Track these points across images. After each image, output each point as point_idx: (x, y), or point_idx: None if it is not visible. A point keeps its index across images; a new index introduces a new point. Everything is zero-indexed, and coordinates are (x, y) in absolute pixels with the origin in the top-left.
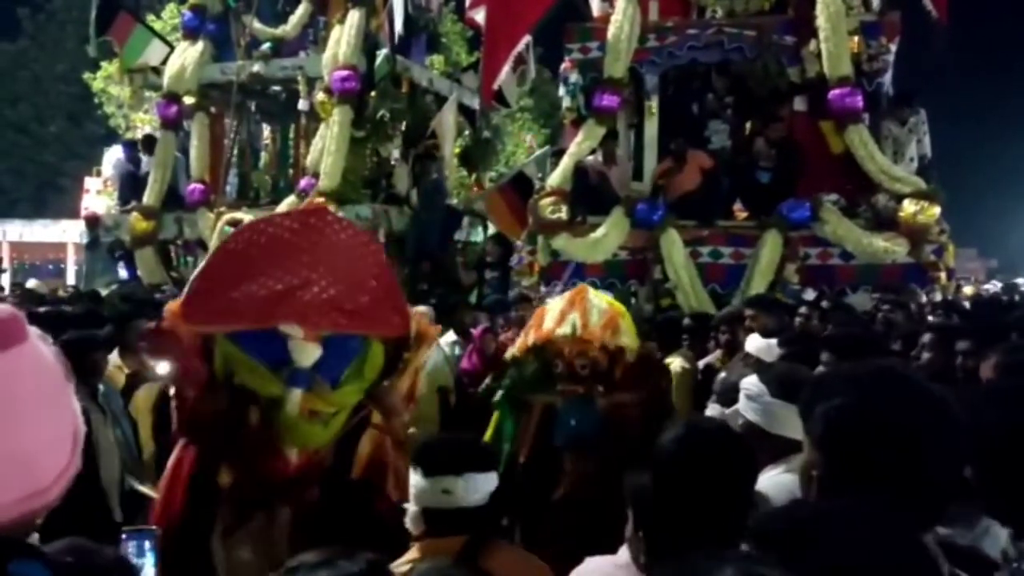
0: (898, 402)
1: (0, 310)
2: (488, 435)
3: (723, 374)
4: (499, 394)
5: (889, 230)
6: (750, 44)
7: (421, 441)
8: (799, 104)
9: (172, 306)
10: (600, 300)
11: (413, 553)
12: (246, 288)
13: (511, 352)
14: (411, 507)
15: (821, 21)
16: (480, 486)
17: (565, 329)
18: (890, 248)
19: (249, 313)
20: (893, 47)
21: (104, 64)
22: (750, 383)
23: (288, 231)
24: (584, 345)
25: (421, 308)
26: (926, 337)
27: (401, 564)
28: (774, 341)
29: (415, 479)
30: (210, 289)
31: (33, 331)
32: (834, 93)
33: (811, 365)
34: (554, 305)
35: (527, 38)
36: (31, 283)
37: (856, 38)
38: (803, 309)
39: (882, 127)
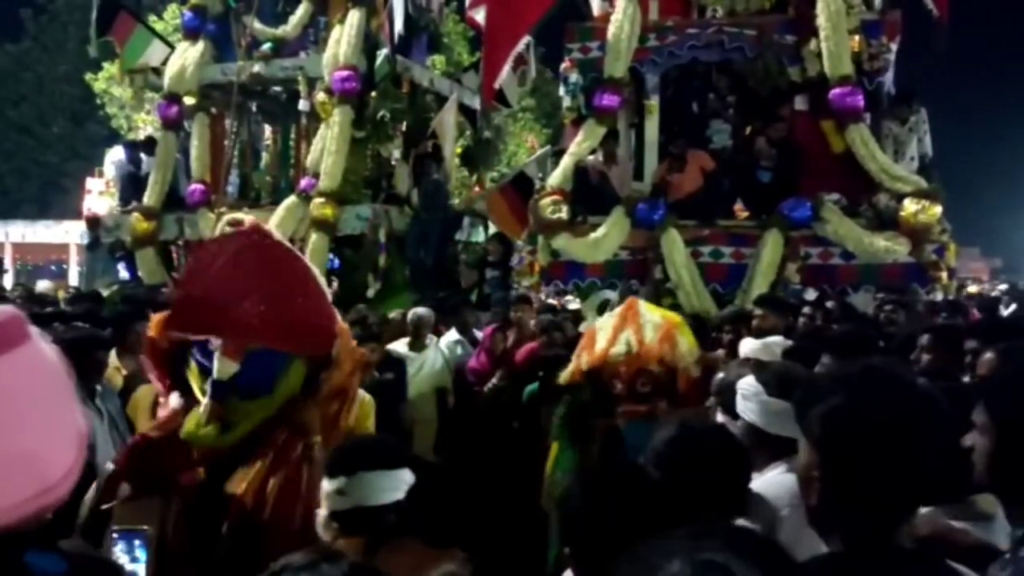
0: (891, 400)
1: (1, 311)
2: (548, 468)
3: (720, 374)
4: (556, 424)
5: (890, 230)
6: (751, 43)
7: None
8: (800, 103)
9: (156, 317)
10: (653, 314)
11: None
12: (199, 301)
13: (564, 377)
14: (320, 513)
15: (822, 20)
16: (377, 485)
17: (620, 348)
18: (891, 248)
19: (194, 326)
20: (894, 46)
21: (106, 65)
22: (746, 383)
23: (230, 250)
24: (641, 362)
25: (421, 310)
26: (924, 338)
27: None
28: (771, 340)
29: (323, 484)
30: (182, 299)
31: (35, 331)
32: (835, 92)
33: (813, 364)
34: (604, 324)
35: (527, 38)
36: (42, 285)
37: (857, 37)
38: (807, 309)
39: (883, 126)
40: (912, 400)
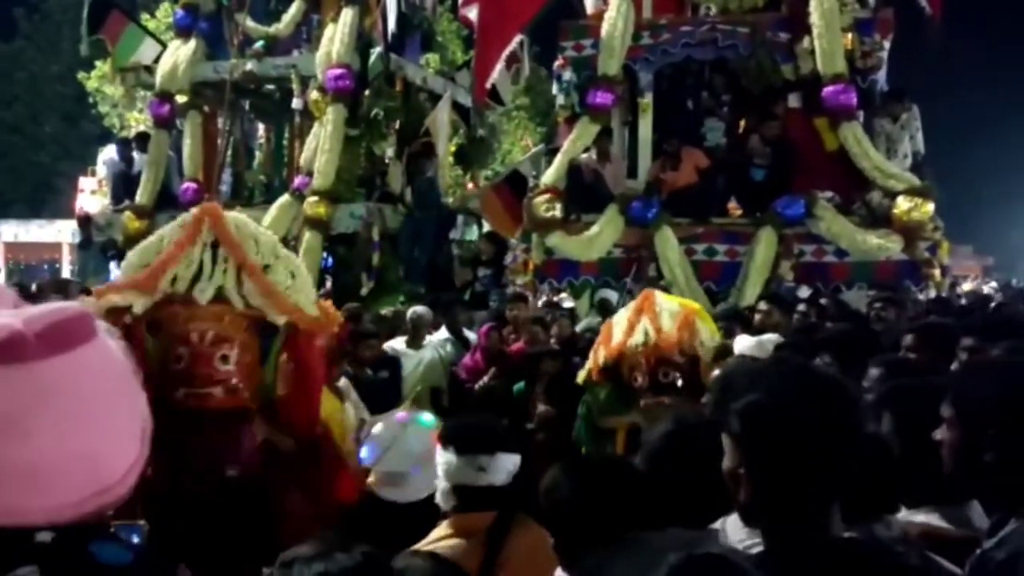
0: (804, 391)
1: (68, 308)
2: None
3: (716, 372)
4: (577, 426)
5: (883, 227)
6: (744, 41)
7: (451, 421)
8: (793, 101)
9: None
10: (670, 302)
11: (444, 529)
12: None
13: (581, 376)
14: (442, 483)
15: (815, 18)
16: (508, 465)
17: (637, 338)
18: (884, 245)
19: None
20: (887, 44)
21: (98, 64)
22: None
23: None
24: (661, 352)
25: (420, 308)
26: (907, 339)
27: (432, 540)
28: (765, 337)
29: (447, 457)
30: None
31: (102, 326)
32: (828, 90)
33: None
34: (620, 317)
35: (520, 36)
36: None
37: (850, 35)
38: (802, 307)
39: (875, 124)
40: (825, 389)
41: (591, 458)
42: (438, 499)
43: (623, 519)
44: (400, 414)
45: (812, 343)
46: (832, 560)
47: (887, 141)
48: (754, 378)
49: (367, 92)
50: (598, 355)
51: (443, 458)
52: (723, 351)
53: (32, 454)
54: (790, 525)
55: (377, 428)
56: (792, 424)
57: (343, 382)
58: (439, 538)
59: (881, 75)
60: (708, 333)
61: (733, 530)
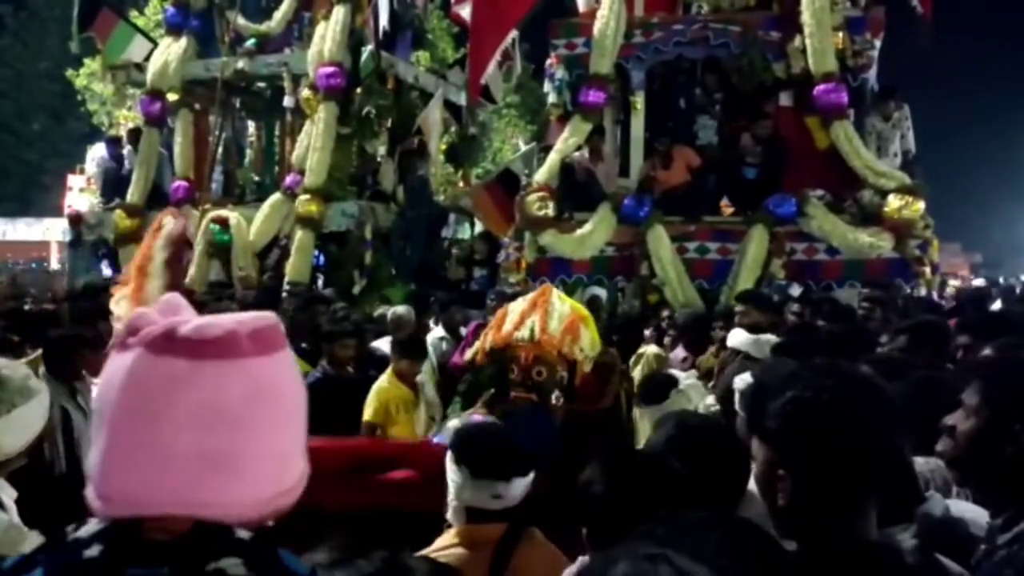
0: (843, 390)
1: (265, 316)
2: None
3: (725, 373)
4: (454, 401)
5: (874, 225)
6: (736, 40)
7: (465, 437)
8: (785, 100)
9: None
10: (563, 304)
11: (450, 538)
12: None
13: (469, 354)
14: (452, 501)
15: (806, 17)
16: (520, 489)
17: (523, 333)
18: (875, 243)
19: None
20: (878, 42)
21: (87, 61)
22: (741, 380)
23: None
24: (541, 351)
25: (400, 308)
26: (900, 340)
27: (437, 548)
28: (764, 337)
29: (460, 477)
30: None
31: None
32: (819, 89)
33: (805, 360)
34: (515, 307)
35: (513, 33)
36: None
37: (841, 34)
38: (795, 306)
39: (866, 123)
40: (862, 388)
41: (629, 455)
42: (448, 514)
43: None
44: (476, 416)
45: (809, 342)
46: (866, 565)
47: (878, 140)
48: (789, 379)
49: (359, 90)
50: (487, 339)
51: (455, 476)
52: (607, 361)
53: (236, 446)
54: (827, 527)
55: (451, 427)
56: (832, 422)
57: (420, 377)
58: (444, 547)
59: (872, 74)
60: (590, 341)
61: None
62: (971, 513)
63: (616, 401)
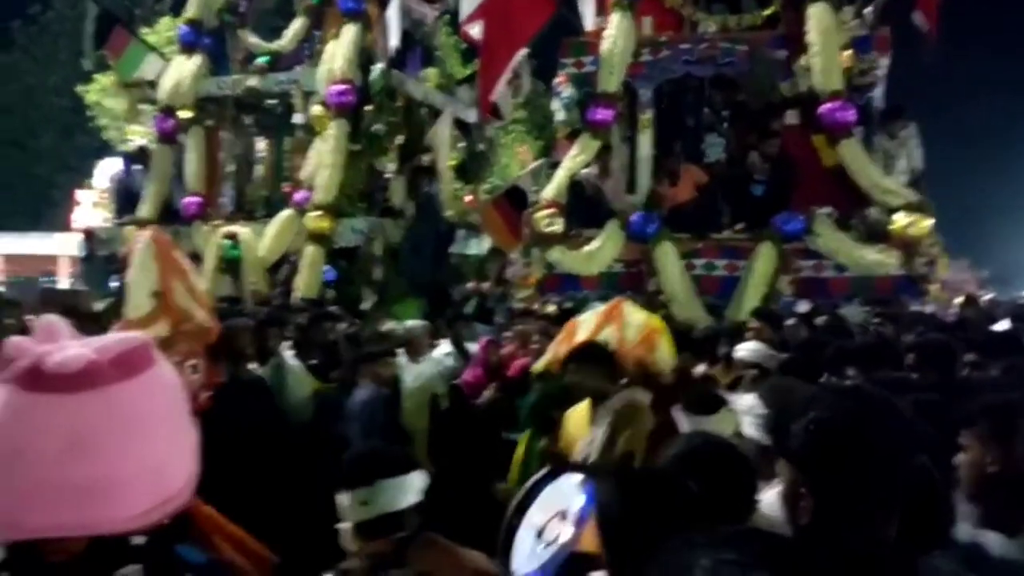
0: (864, 411)
1: (132, 338)
2: (518, 454)
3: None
4: (523, 414)
5: (881, 242)
6: (743, 58)
7: (346, 457)
8: (791, 118)
9: None
10: (638, 316)
11: (351, 560)
12: None
13: (538, 366)
14: (343, 527)
15: (812, 36)
16: (397, 490)
17: None
18: (882, 261)
19: None
20: (884, 61)
21: (97, 76)
22: (745, 400)
23: None
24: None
25: (414, 323)
26: (909, 358)
27: (341, 569)
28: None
29: (340, 499)
30: None
31: (158, 354)
32: (826, 107)
33: (812, 375)
34: (588, 319)
35: (523, 51)
36: None
37: (847, 52)
38: (791, 321)
39: (873, 141)
40: (881, 409)
41: (644, 474)
42: (344, 543)
43: (669, 532)
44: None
45: (821, 359)
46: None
47: (885, 157)
48: (810, 400)
49: (369, 107)
50: (560, 349)
51: (339, 500)
52: (683, 369)
53: (107, 470)
54: (847, 545)
55: None
56: (851, 442)
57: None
58: (347, 567)
59: (879, 92)
60: (666, 352)
61: None
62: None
63: None
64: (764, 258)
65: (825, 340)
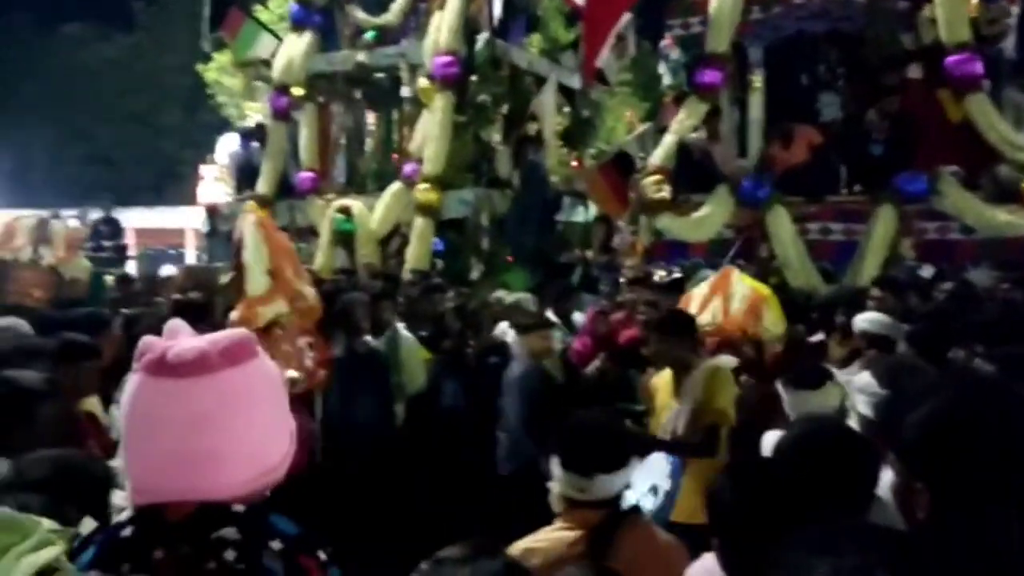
0: (986, 403)
1: (234, 334)
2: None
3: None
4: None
5: (1012, 202)
6: (860, 12)
7: (566, 426)
8: (914, 72)
9: None
10: (744, 284)
11: (556, 524)
12: None
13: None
14: (553, 488)
15: None
16: (609, 485)
17: (706, 317)
18: (1013, 222)
19: None
20: (1015, 9)
21: (215, 55)
22: (861, 378)
23: None
24: (725, 334)
25: (521, 295)
26: None
27: (544, 536)
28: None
29: (556, 464)
30: None
31: (260, 349)
32: (951, 60)
33: (940, 349)
34: (697, 292)
35: (628, 15)
36: (165, 270)
37: (974, 1)
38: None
39: (1003, 94)
40: (1005, 401)
41: (756, 464)
42: (552, 502)
43: (784, 522)
44: None
45: (948, 332)
46: None
47: (1016, 112)
48: (928, 390)
49: (474, 78)
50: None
51: (554, 464)
52: (793, 338)
53: (216, 443)
54: (966, 542)
55: None
56: (970, 437)
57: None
58: (550, 533)
59: (1009, 43)
60: (773, 320)
61: None
62: None
63: None
64: (884, 221)
65: (953, 310)
